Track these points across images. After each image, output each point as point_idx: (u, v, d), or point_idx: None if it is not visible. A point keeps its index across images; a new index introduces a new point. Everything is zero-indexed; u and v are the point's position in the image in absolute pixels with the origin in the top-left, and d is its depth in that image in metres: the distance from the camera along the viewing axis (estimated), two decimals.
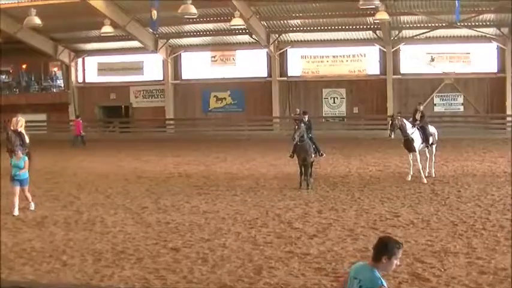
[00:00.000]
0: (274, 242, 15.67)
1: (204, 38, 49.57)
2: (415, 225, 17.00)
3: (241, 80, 49.30)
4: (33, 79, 55.97)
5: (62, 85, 55.41)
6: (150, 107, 52.12)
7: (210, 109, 51.08)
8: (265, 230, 17.03)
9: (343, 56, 47.86)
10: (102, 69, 53.42)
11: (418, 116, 25.57)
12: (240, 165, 30.67)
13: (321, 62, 48.38)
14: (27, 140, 29.55)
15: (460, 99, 46.22)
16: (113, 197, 22.77)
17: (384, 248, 6.73)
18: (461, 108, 46.41)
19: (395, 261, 6.75)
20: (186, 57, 51.43)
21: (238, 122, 49.75)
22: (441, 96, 46.40)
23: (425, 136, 25.12)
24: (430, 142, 25.41)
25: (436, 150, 26.13)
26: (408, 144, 24.83)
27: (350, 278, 6.86)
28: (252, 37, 47.30)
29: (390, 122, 25.13)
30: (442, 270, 12.82)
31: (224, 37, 49.29)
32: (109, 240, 16.32)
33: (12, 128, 29.54)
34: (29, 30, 47.44)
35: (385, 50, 46.31)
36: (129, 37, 48.10)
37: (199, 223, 18.04)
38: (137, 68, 52.22)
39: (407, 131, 24.62)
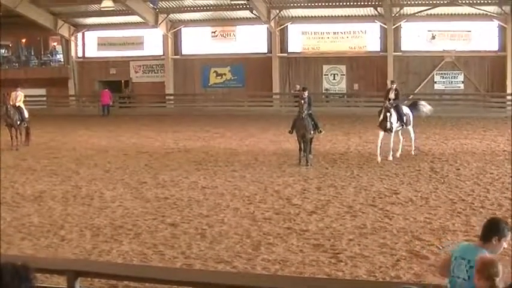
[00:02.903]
0: (273, 218, 15.70)
1: (204, 13, 49.27)
2: (413, 203, 17.03)
3: (242, 56, 49.06)
4: (32, 53, 55.75)
5: (62, 60, 55.19)
6: (150, 82, 51.93)
7: (209, 84, 50.87)
8: (264, 206, 17.06)
9: (344, 32, 47.59)
10: (102, 43, 53.13)
11: (392, 95, 24.90)
12: (239, 141, 30.64)
13: (322, 38, 48.13)
14: (26, 114, 29.62)
15: (461, 77, 46.02)
16: (111, 172, 22.79)
17: (495, 229, 6.43)
18: (462, 86, 46.20)
19: (505, 244, 6.47)
20: (186, 32, 51.12)
21: (238, 97, 49.53)
22: (441, 74, 46.20)
23: (399, 115, 24.53)
24: (404, 122, 24.82)
25: (413, 132, 25.61)
26: (386, 125, 24.20)
27: (455, 258, 6.55)
28: (252, 12, 46.98)
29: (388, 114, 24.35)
30: (441, 248, 12.83)
31: (224, 12, 49.00)
32: (107, 215, 16.35)
33: (11, 102, 29.53)
34: (28, 4, 47.28)
35: (385, 26, 46.05)
36: (129, 12, 47.80)
37: (197, 198, 18.06)
38: (137, 43, 51.93)
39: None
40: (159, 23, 49.41)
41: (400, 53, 46.46)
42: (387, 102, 24.49)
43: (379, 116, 24.43)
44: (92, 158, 26.21)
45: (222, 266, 12.18)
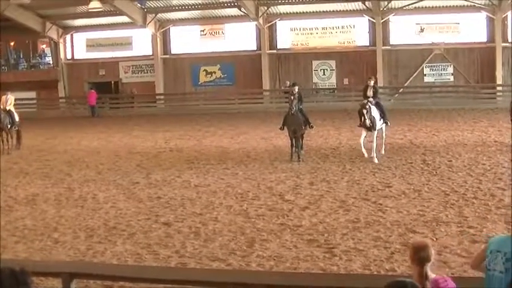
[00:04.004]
0: (266, 214, 15.71)
1: (192, 11, 49.21)
2: (406, 196, 17.06)
3: (231, 54, 49.03)
4: (21, 56, 55.64)
5: (51, 62, 55.07)
6: (140, 82, 51.85)
7: (200, 83, 50.84)
8: (257, 202, 17.07)
9: (333, 27, 47.60)
10: (91, 45, 53.02)
11: (370, 93, 23.49)
12: (230, 139, 30.64)
13: (310, 34, 48.15)
14: (16, 118, 29.53)
15: (450, 70, 46.10)
16: (104, 173, 22.75)
17: None
18: (451, 78, 46.28)
19: None
20: (175, 32, 51.08)
21: (228, 95, 49.57)
22: (431, 66, 46.27)
23: (382, 113, 23.41)
24: (387, 119, 23.80)
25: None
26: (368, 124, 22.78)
27: (491, 252, 6.39)
28: (240, 10, 47.01)
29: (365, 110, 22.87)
30: (434, 239, 12.86)
31: (213, 10, 48.96)
32: (101, 216, 16.34)
33: (1, 106, 29.46)
34: (16, 8, 47.12)
35: (374, 21, 46.06)
36: (117, 12, 47.74)
37: (190, 197, 18.06)
38: (126, 43, 51.88)
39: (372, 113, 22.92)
40: (147, 22, 49.35)
41: (389, 47, 46.50)
42: (366, 100, 23.34)
43: (359, 116, 23.14)
44: (83, 160, 26.17)
45: (216, 263, 12.19)
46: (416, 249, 6.00)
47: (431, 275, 6.00)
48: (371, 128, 22.82)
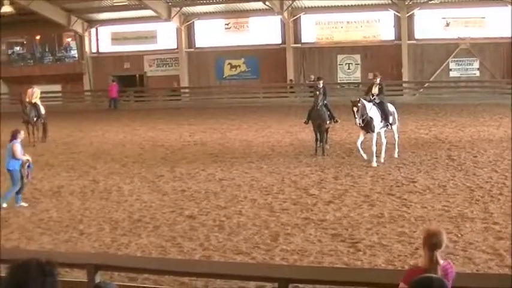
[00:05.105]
0: (291, 208, 15.72)
1: (217, 5, 49.29)
2: (431, 191, 16.99)
3: (255, 47, 48.99)
4: (47, 50, 56.01)
5: (76, 55, 55.36)
6: (165, 76, 51.99)
7: (224, 77, 50.90)
8: (281, 196, 17.09)
9: (358, 21, 47.42)
10: (116, 38, 53.23)
11: (375, 90, 22.28)
12: (255, 133, 30.62)
13: (335, 28, 48.03)
14: (42, 111, 29.76)
15: (476, 64, 45.77)
16: (128, 166, 22.86)
17: None
18: (477, 73, 45.94)
19: None
20: (199, 25, 51.15)
21: (252, 89, 49.60)
22: (457, 61, 45.98)
23: (384, 114, 21.74)
24: (390, 122, 22.13)
25: (397, 132, 23.12)
26: (366, 124, 21.27)
27: None
28: (265, 4, 46.94)
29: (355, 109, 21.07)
30: (459, 235, 12.82)
31: (237, 4, 48.94)
32: (125, 208, 16.43)
33: (27, 99, 29.68)
34: (42, 1, 47.40)
35: (399, 15, 45.84)
36: (142, 6, 47.88)
37: (215, 190, 18.10)
38: (151, 37, 52.01)
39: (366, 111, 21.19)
40: (172, 16, 49.44)
41: (415, 41, 46.26)
42: (360, 98, 21.84)
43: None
44: (108, 153, 26.29)
45: (240, 257, 12.21)
46: (430, 234, 6.16)
47: (441, 262, 6.10)
48: (367, 129, 21.47)
